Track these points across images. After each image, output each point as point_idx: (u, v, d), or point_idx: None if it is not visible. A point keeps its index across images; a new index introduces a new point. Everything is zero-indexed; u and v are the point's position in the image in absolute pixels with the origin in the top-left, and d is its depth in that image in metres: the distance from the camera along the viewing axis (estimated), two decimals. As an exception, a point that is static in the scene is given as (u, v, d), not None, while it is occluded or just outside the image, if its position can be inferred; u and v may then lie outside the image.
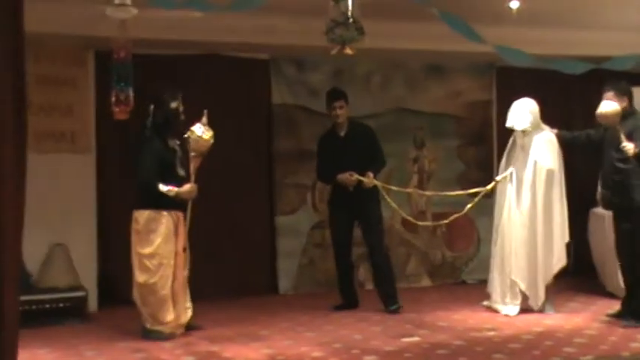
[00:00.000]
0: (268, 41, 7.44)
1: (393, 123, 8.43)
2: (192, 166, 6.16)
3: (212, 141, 6.19)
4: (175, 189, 6.04)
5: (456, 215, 7.37)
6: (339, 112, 7.15)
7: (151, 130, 6.15)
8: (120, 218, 7.33)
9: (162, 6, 5.32)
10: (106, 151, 7.42)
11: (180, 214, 6.17)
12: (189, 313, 6.26)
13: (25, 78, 3.41)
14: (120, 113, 4.83)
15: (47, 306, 6.69)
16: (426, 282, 8.62)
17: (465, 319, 6.73)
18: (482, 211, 7.57)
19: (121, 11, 4.64)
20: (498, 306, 6.94)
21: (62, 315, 6.74)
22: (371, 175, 7.01)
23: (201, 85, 7.71)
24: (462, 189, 8.81)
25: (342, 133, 7.22)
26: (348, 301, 7.27)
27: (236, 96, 7.94)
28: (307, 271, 8.32)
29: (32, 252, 6.54)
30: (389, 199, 7.21)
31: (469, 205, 7.22)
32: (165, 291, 6.04)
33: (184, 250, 6.16)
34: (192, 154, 6.16)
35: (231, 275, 7.86)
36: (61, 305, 6.76)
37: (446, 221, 7.49)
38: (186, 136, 6.16)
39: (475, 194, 7.29)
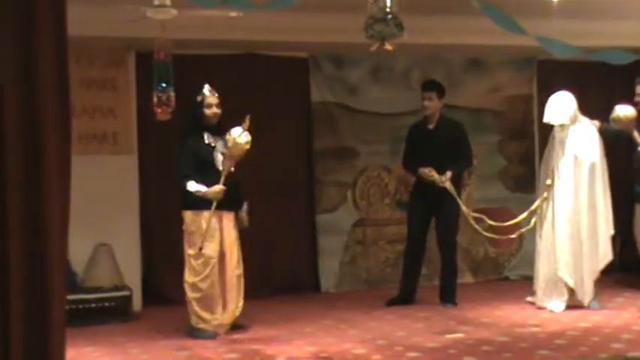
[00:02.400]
0: (307, 39, 7.45)
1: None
2: (225, 168, 6.13)
3: (248, 147, 6.09)
4: (203, 189, 6.04)
5: (521, 231, 7.23)
6: (426, 103, 7.14)
7: (187, 129, 6.18)
8: (163, 218, 7.43)
9: (202, 5, 5.35)
10: (149, 151, 7.48)
11: (225, 213, 6.16)
12: (238, 312, 6.26)
13: (69, 81, 3.45)
14: (162, 114, 4.87)
15: (93, 305, 6.78)
16: (468, 278, 8.56)
17: (509, 315, 6.68)
18: (525, 207, 7.45)
19: (161, 12, 4.68)
20: (543, 302, 6.87)
21: (107, 314, 6.82)
22: (448, 174, 6.94)
23: (241, 85, 7.73)
24: (504, 184, 8.82)
25: (431, 126, 7.20)
26: (406, 295, 7.23)
27: (275, 95, 7.96)
28: (349, 268, 8.31)
29: (78, 252, 6.65)
30: (463, 206, 7.11)
31: (533, 220, 7.05)
32: (211, 290, 6.06)
33: (225, 249, 6.16)
34: (226, 154, 6.14)
35: (273, 273, 7.90)
36: (106, 304, 6.85)
37: (513, 235, 7.32)
38: (226, 137, 6.14)
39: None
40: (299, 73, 8.16)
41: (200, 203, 6.02)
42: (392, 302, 7.19)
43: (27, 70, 3.26)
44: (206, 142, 6.18)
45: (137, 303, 7.28)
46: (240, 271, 6.26)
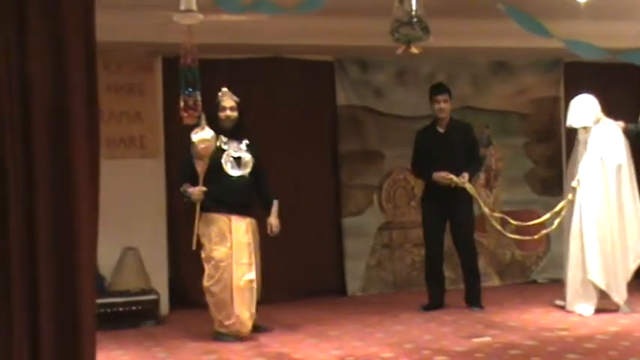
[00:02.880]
0: (332, 43, 7.46)
1: (459, 122, 8.38)
2: (198, 169, 6.10)
3: (202, 145, 5.96)
4: (189, 190, 6.06)
5: (544, 232, 7.19)
6: (442, 105, 7.07)
7: None
8: (189, 221, 7.46)
9: (229, 10, 5.37)
10: (175, 155, 7.51)
11: (234, 217, 6.09)
12: (250, 320, 6.09)
13: (97, 87, 3.48)
14: (188, 118, 4.89)
15: (120, 309, 6.83)
16: (495, 281, 8.53)
17: (537, 318, 6.64)
18: (552, 209, 7.42)
19: (188, 17, 4.69)
20: (572, 306, 6.81)
21: (135, 318, 6.87)
22: (466, 176, 6.91)
23: (266, 89, 7.77)
24: (531, 187, 8.79)
25: (442, 130, 7.15)
26: (436, 301, 7.21)
27: (301, 98, 7.98)
28: (375, 272, 8.32)
29: (105, 256, 6.66)
30: (482, 204, 7.09)
31: (557, 221, 6.97)
32: (224, 294, 6.01)
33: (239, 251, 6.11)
34: (195, 157, 6.11)
35: (299, 277, 7.90)
36: (134, 308, 6.89)
37: (536, 236, 7.26)
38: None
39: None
40: (325, 77, 8.18)
41: (209, 206, 6.04)
42: (426, 309, 7.16)
43: (56, 76, 3.29)
44: (217, 145, 6.16)
45: (164, 306, 7.33)
46: (251, 276, 6.08)
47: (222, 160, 6.12)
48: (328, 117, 8.25)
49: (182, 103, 4.85)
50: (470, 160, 7.11)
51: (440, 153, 7.04)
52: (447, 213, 7.06)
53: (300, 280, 7.91)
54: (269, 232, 6.35)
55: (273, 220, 6.35)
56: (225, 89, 6.25)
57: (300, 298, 7.77)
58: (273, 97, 7.79)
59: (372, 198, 8.36)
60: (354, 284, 8.22)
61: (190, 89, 4.84)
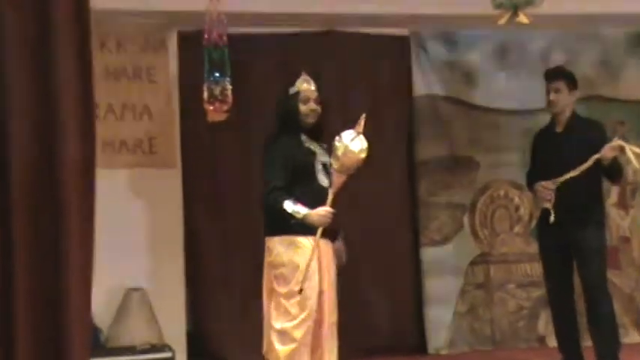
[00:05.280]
0: (407, 11, 7.43)
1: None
2: (334, 185, 6.00)
3: (363, 156, 5.81)
4: (304, 211, 5.91)
5: None
6: (553, 97, 6.94)
7: (277, 130, 6.06)
8: (214, 254, 7.48)
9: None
10: (196, 164, 7.53)
11: (323, 242, 6.05)
12: None
13: (92, 73, 3.50)
14: (215, 113, 4.91)
15: (122, 371, 6.87)
16: (633, 337, 8.39)
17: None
18: None
19: (214, -23, 4.72)
20: None
21: (142, 382, 6.91)
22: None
23: (319, 72, 7.73)
24: (683, 206, 8.65)
25: (559, 129, 7.05)
26: (571, 356, 7.12)
27: (365, 86, 7.96)
28: (466, 321, 8.25)
29: (102, 300, 6.70)
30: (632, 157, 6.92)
31: None
32: (306, 339, 5.99)
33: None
34: (335, 167, 6.00)
35: (364, 328, 7.84)
36: (140, 369, 6.92)
37: None
38: (334, 143, 6.03)
39: None
40: (397, 57, 8.16)
41: (299, 227, 5.93)
42: None
43: (39, 59, 3.32)
44: (304, 144, 6.11)
45: (181, 367, 7.35)
46: (335, 318, 6.03)
47: (316, 168, 6.06)
48: (402, 111, 8.21)
49: (206, 94, 4.86)
50: (604, 170, 6.94)
51: (554, 160, 6.91)
52: (568, 240, 6.92)
53: (366, 332, 7.84)
54: (338, 260, 6.34)
55: (342, 246, 6.31)
56: (304, 74, 6.19)
57: (366, 355, 7.72)
58: (327, 84, 7.73)
59: (461, 221, 8.30)
60: (437, 338, 8.16)
61: (217, 74, 4.85)
